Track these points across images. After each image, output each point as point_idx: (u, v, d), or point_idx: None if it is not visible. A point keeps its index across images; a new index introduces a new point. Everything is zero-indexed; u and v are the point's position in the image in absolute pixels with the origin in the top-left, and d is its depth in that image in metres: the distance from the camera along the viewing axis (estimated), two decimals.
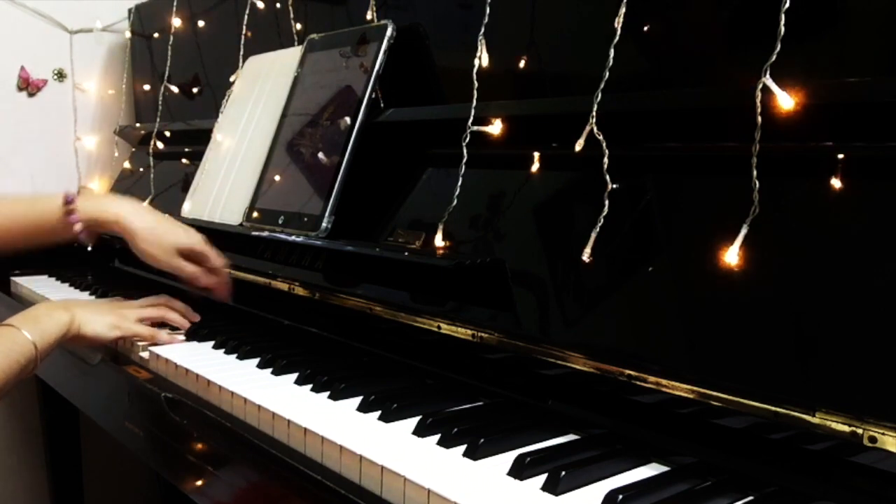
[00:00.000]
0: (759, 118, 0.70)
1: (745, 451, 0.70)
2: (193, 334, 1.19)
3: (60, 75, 1.98)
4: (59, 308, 1.10)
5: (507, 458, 0.74)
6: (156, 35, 1.89)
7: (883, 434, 0.60)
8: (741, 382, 0.68)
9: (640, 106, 0.85)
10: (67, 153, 2.01)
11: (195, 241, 1.21)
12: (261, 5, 1.50)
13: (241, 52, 1.53)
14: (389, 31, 1.14)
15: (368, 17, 1.23)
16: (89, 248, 1.84)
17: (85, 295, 1.58)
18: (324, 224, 1.11)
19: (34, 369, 1.03)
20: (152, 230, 1.18)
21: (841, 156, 0.69)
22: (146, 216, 1.20)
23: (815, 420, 0.63)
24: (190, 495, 1.03)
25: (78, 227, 1.16)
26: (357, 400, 0.90)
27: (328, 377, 0.96)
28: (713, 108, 0.78)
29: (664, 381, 0.73)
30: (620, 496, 0.65)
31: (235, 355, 1.09)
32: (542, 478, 0.70)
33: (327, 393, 0.93)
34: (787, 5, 0.70)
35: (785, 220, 0.71)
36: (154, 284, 1.62)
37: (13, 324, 1.02)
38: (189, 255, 1.20)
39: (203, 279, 1.21)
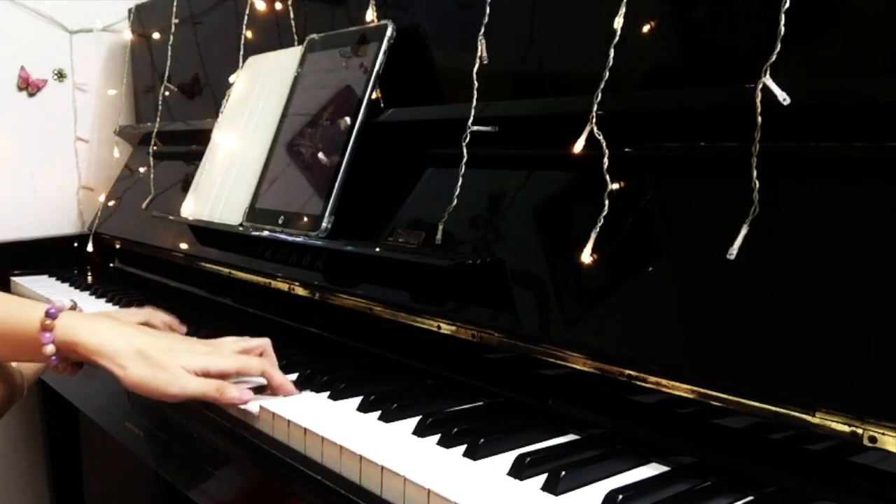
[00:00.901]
0: (759, 118, 0.70)
1: (745, 451, 0.70)
2: (193, 335, 1.19)
3: (60, 75, 1.98)
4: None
5: (507, 458, 0.74)
6: (156, 35, 1.89)
7: (883, 434, 0.60)
8: (741, 382, 0.68)
9: (640, 106, 0.85)
10: (67, 153, 2.02)
11: (212, 363, 0.91)
12: (261, 5, 1.50)
13: (241, 52, 1.53)
14: (389, 31, 1.14)
15: (368, 17, 1.23)
16: (89, 248, 1.85)
17: (84, 295, 1.58)
18: (324, 224, 1.11)
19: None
20: (140, 352, 0.88)
21: (841, 156, 0.69)
22: (135, 336, 0.90)
23: (815, 420, 0.63)
24: (190, 495, 1.03)
25: (49, 349, 0.87)
26: (357, 400, 0.90)
27: (328, 377, 0.96)
28: (713, 108, 0.78)
29: (664, 381, 0.73)
30: (620, 496, 0.65)
31: None
32: (542, 478, 0.70)
33: (327, 393, 0.93)
34: (787, 5, 0.70)
35: (785, 220, 0.71)
36: (156, 285, 1.62)
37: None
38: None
39: (232, 392, 0.90)
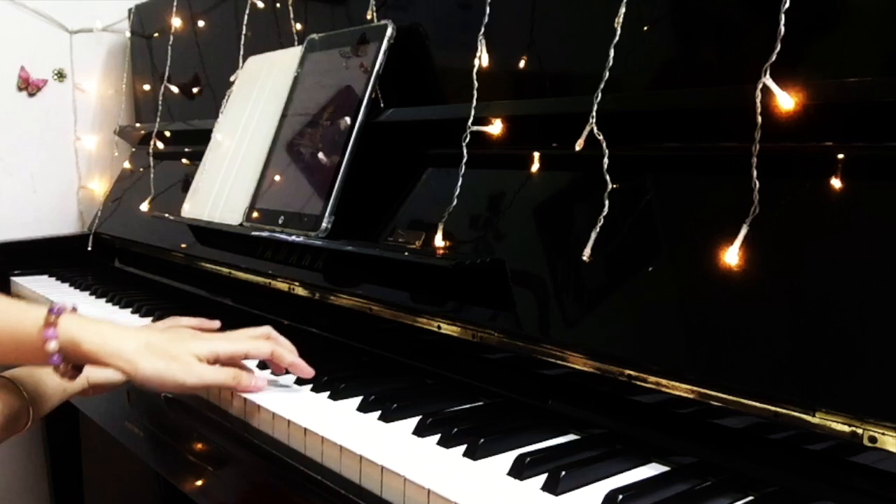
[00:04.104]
0: (759, 118, 0.70)
1: (745, 451, 0.70)
2: None
3: (60, 75, 1.98)
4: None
5: (507, 458, 0.74)
6: (156, 35, 1.89)
7: (883, 434, 0.60)
8: (741, 382, 0.68)
9: (640, 106, 0.85)
10: (67, 153, 2.01)
11: (220, 346, 0.91)
12: (261, 5, 1.50)
13: (241, 52, 1.53)
14: (389, 31, 1.14)
15: (368, 17, 1.23)
16: (89, 248, 1.85)
17: (84, 295, 1.58)
18: (324, 224, 1.11)
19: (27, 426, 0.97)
20: (147, 345, 0.87)
21: (841, 156, 0.69)
22: (139, 332, 0.91)
23: (815, 420, 0.63)
24: (190, 495, 1.03)
25: (52, 345, 0.85)
26: (357, 400, 0.90)
27: (328, 377, 0.96)
28: (713, 108, 0.78)
29: (664, 381, 0.73)
30: (620, 496, 0.65)
31: None
32: (542, 478, 0.70)
33: (327, 393, 0.93)
34: (787, 5, 0.70)
35: (785, 220, 0.71)
36: (156, 285, 1.62)
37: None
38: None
39: (247, 379, 0.91)
